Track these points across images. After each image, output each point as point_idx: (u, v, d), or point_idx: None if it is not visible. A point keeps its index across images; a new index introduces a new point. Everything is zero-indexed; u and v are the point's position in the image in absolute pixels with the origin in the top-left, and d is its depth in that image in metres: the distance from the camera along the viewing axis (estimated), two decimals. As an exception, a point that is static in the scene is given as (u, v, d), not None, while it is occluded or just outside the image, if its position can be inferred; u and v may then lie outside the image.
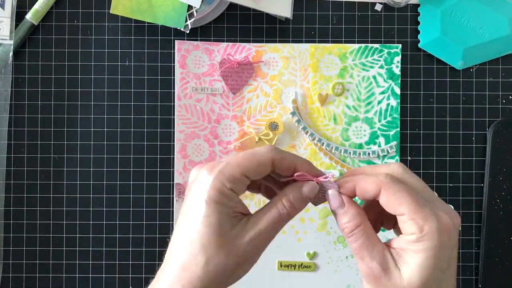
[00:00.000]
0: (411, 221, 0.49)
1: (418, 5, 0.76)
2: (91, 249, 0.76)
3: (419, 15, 0.76)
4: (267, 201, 0.68)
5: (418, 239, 0.49)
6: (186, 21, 0.74)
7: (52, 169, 0.76)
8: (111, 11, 0.74)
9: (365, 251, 0.51)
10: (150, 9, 0.73)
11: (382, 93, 0.75)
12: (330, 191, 0.53)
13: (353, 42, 0.76)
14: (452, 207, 0.53)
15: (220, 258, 0.50)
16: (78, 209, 0.76)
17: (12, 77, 0.76)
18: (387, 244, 0.52)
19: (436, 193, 0.53)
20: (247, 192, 0.72)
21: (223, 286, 0.52)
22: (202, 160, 0.75)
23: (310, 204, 0.74)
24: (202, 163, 0.74)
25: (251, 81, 0.75)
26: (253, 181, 0.53)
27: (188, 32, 0.75)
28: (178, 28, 0.74)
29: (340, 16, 0.77)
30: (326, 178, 0.53)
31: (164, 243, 0.76)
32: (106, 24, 0.77)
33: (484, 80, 0.76)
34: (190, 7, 0.74)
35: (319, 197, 0.54)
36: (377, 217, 0.55)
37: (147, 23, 0.75)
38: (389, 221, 0.55)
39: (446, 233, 0.49)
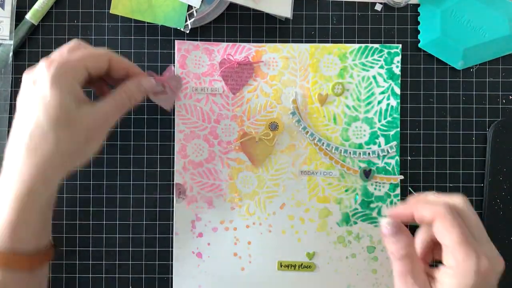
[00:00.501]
0: (452, 254, 0.52)
1: (418, 5, 0.76)
2: (91, 249, 0.76)
3: (419, 15, 0.76)
4: (267, 201, 0.70)
5: (454, 274, 0.52)
6: (186, 21, 0.74)
7: (52, 169, 0.76)
8: (111, 11, 0.74)
9: (410, 277, 0.54)
10: (150, 9, 0.73)
11: (382, 93, 0.75)
12: (384, 219, 0.57)
13: (353, 42, 0.76)
14: (497, 252, 0.55)
15: (71, 132, 0.58)
16: (78, 209, 0.76)
17: (12, 77, 0.76)
18: (428, 272, 0.55)
19: (486, 234, 0.56)
20: (247, 192, 0.73)
21: (75, 161, 0.61)
22: (202, 160, 0.75)
23: (309, 204, 0.75)
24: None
25: (251, 81, 0.75)
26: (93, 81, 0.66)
27: (188, 32, 0.75)
28: (178, 28, 0.74)
29: (340, 16, 0.77)
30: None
31: (164, 243, 0.76)
32: (106, 24, 0.77)
33: (484, 80, 0.76)
34: (190, 7, 0.74)
35: (162, 95, 0.73)
36: (431, 244, 0.58)
37: (147, 23, 0.75)
38: (440, 250, 0.57)
39: (483, 275, 0.52)
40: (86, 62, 0.61)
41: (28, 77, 0.59)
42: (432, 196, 0.57)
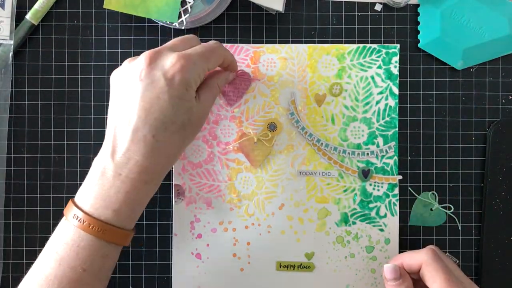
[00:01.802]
0: None
1: (418, 5, 0.76)
2: (90, 248, 0.76)
3: (419, 15, 0.76)
4: (266, 202, 0.71)
5: None
6: (180, 17, 0.74)
7: (52, 169, 0.76)
8: (104, 6, 0.74)
9: None
10: (143, 4, 0.73)
11: (380, 93, 0.75)
12: (387, 265, 0.65)
13: (353, 42, 0.76)
14: None
15: (194, 132, 0.65)
16: (78, 209, 0.76)
17: (12, 77, 0.76)
18: None
19: (467, 277, 0.65)
20: (246, 192, 0.73)
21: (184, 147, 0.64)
22: (200, 161, 0.75)
23: (308, 204, 0.75)
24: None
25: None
26: None
27: (183, 28, 0.75)
28: (174, 25, 0.74)
29: (340, 16, 0.77)
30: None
31: (164, 243, 0.76)
32: (106, 24, 0.77)
33: (484, 80, 0.76)
34: (184, 2, 0.74)
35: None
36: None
37: (147, 23, 0.75)
38: None
39: None
40: (211, 60, 0.64)
41: (157, 66, 0.60)
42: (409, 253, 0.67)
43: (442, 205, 0.75)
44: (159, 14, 0.73)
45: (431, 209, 0.75)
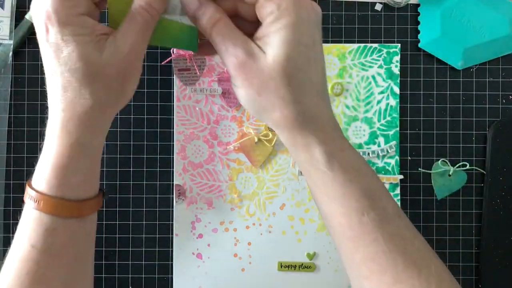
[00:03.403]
0: (270, 1, 0.51)
1: (418, 5, 0.76)
2: (90, 249, 0.76)
3: (419, 15, 0.76)
4: (267, 202, 0.70)
5: (276, 17, 0.51)
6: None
7: (51, 169, 0.76)
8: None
9: (228, 40, 0.52)
10: (156, 33, 0.66)
11: (381, 92, 0.75)
12: None
13: (353, 42, 0.76)
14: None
15: (104, 83, 0.53)
16: (77, 209, 0.76)
17: (11, 77, 0.76)
18: (250, 37, 0.53)
19: None
20: (246, 192, 0.73)
21: (115, 107, 0.57)
22: (201, 161, 0.75)
23: (309, 204, 0.75)
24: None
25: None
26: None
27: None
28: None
29: (340, 16, 0.77)
30: None
31: (164, 243, 0.76)
32: (106, 24, 0.77)
33: (484, 80, 0.76)
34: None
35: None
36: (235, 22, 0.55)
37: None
38: (248, 26, 0.55)
39: (304, 9, 0.51)
40: None
41: (38, 18, 0.53)
42: None
43: (457, 166, 0.75)
44: (177, 43, 0.63)
45: (449, 175, 0.75)
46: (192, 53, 0.74)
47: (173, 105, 0.76)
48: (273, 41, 0.51)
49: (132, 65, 0.54)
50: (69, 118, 0.54)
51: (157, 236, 0.76)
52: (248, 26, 0.55)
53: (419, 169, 0.76)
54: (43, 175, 0.55)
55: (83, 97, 0.53)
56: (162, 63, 0.76)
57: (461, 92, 0.76)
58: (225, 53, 0.52)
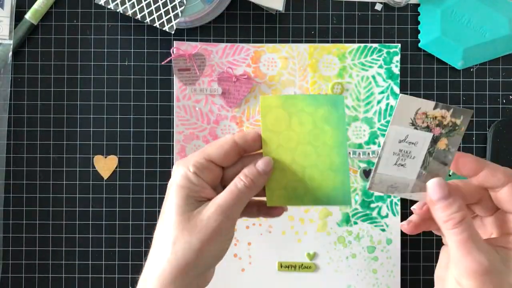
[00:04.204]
0: None
1: (418, 5, 0.76)
2: (90, 249, 0.76)
3: (419, 14, 0.76)
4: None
5: None
6: (171, 21, 0.74)
7: (51, 169, 0.76)
8: (268, 204, 0.59)
9: (472, 243, 0.48)
10: (308, 193, 0.60)
11: (382, 92, 0.75)
12: (433, 180, 0.50)
13: (353, 42, 0.76)
14: None
15: (184, 236, 0.52)
16: (77, 209, 0.76)
17: (11, 77, 0.76)
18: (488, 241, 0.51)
19: None
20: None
21: (194, 267, 0.53)
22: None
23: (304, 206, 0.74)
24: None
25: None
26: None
27: (173, 32, 0.74)
28: (163, 29, 0.74)
29: (340, 16, 0.77)
30: None
31: (163, 243, 0.76)
32: (106, 23, 0.77)
33: (484, 80, 0.76)
34: (174, 8, 0.73)
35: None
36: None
37: (147, 23, 0.75)
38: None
39: None
40: (208, 152, 0.54)
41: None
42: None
43: None
44: (330, 200, 0.59)
45: (449, 175, 0.74)
46: (192, 53, 0.74)
47: (173, 105, 0.76)
48: None
49: (217, 227, 0.53)
50: (149, 269, 0.54)
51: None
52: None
53: None
54: None
55: (166, 246, 0.53)
56: (162, 63, 0.76)
57: (461, 92, 0.76)
58: (466, 256, 0.48)
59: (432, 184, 0.50)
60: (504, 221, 0.52)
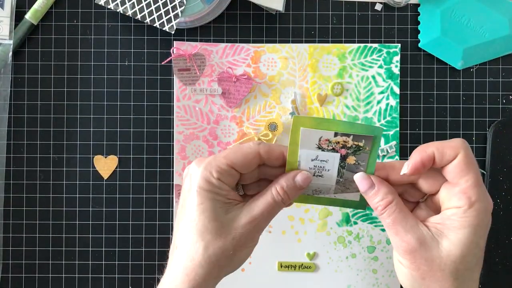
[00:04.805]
0: (464, 194, 0.51)
1: (418, 5, 0.76)
2: (90, 249, 0.76)
3: (419, 15, 0.76)
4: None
5: (464, 213, 0.51)
6: (170, 21, 0.74)
7: (51, 169, 0.76)
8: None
9: (399, 225, 0.53)
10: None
11: (381, 92, 0.75)
12: (357, 175, 0.56)
13: (353, 42, 0.76)
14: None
15: (218, 242, 0.53)
16: (77, 209, 0.76)
17: (11, 77, 0.76)
18: (421, 220, 0.54)
19: None
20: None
21: (225, 270, 0.56)
22: (201, 161, 0.75)
23: (309, 204, 0.75)
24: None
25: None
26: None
27: (173, 32, 0.74)
28: (164, 29, 0.74)
29: (340, 16, 0.77)
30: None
31: (164, 243, 0.76)
32: (106, 24, 0.77)
33: (484, 80, 0.76)
34: (174, 8, 0.73)
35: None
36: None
37: (147, 23, 0.75)
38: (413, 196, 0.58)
39: (489, 214, 0.53)
40: (231, 159, 0.55)
41: (186, 173, 0.58)
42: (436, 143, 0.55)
43: None
44: (345, 203, 0.60)
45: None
46: (192, 53, 0.74)
47: (173, 105, 0.76)
48: (452, 237, 0.52)
49: (249, 234, 0.56)
50: (177, 270, 0.55)
51: (157, 236, 0.76)
52: (417, 194, 0.58)
53: None
54: None
55: (196, 249, 0.54)
56: (162, 63, 0.76)
57: (461, 92, 0.76)
58: (395, 236, 0.53)
59: (357, 178, 0.56)
60: (434, 201, 0.56)
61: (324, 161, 0.56)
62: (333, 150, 0.55)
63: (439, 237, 0.52)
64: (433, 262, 0.52)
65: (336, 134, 0.54)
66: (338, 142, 0.54)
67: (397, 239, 0.53)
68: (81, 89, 0.77)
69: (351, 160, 0.55)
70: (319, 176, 0.57)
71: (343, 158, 0.55)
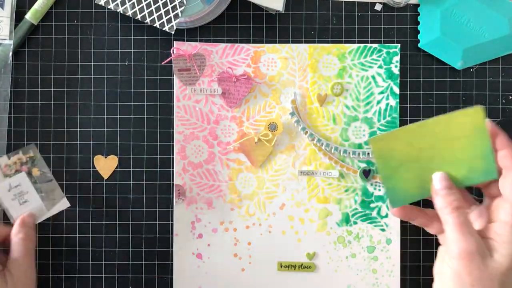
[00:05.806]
0: None
1: (418, 5, 0.76)
2: (90, 249, 0.76)
3: (419, 15, 0.76)
4: (266, 202, 0.69)
5: None
6: (170, 21, 0.74)
7: (51, 169, 0.76)
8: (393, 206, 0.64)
9: (465, 227, 0.57)
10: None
11: (381, 93, 0.75)
12: (438, 174, 0.60)
13: (353, 42, 0.76)
14: None
15: None
16: (77, 209, 0.76)
17: (11, 77, 0.76)
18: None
19: None
20: (246, 192, 0.73)
21: None
22: (201, 161, 0.75)
23: (309, 204, 0.75)
24: (201, 164, 0.75)
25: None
26: None
27: (173, 33, 0.74)
28: (164, 29, 0.74)
29: (340, 16, 0.77)
30: None
31: (164, 243, 0.76)
32: (106, 24, 0.77)
33: (484, 80, 0.76)
34: (174, 8, 0.74)
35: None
36: None
37: (147, 23, 0.75)
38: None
39: None
40: None
41: None
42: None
43: None
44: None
45: None
46: (192, 53, 0.75)
47: (173, 105, 0.76)
48: (502, 250, 0.56)
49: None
50: None
51: (157, 236, 0.76)
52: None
53: None
54: None
55: None
56: (162, 63, 0.76)
57: (461, 92, 0.76)
58: (462, 236, 0.56)
59: (437, 177, 0.60)
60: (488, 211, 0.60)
61: (17, 185, 0.69)
62: (17, 171, 0.69)
63: (494, 249, 0.56)
64: (486, 270, 0.55)
65: (8, 157, 0.69)
66: (15, 162, 0.70)
67: (460, 241, 0.56)
68: (81, 89, 0.77)
69: (35, 172, 0.69)
70: (25, 202, 0.69)
71: (30, 173, 0.69)
